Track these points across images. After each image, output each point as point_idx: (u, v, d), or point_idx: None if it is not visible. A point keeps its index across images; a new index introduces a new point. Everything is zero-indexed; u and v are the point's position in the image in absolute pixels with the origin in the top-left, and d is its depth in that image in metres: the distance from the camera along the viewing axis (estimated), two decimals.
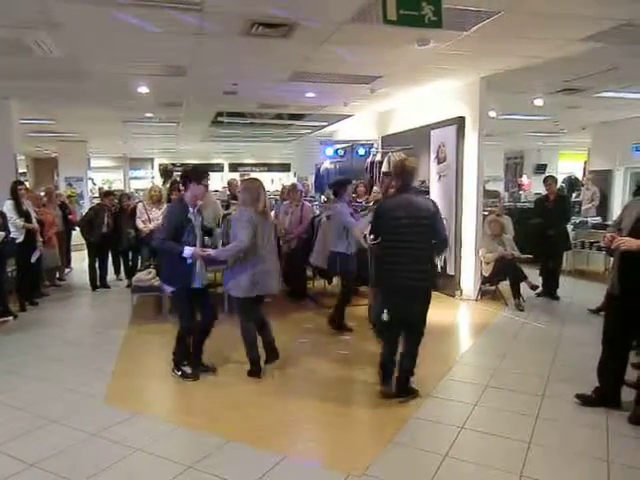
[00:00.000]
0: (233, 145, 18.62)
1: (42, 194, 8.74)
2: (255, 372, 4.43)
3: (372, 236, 4.11)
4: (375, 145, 9.82)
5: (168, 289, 4.55)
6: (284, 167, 23.20)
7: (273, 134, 14.89)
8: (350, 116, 11.20)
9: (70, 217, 9.13)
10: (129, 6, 4.32)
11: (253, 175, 22.42)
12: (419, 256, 3.85)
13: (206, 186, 4.43)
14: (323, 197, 9.37)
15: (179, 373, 4.41)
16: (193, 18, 4.64)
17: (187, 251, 4.12)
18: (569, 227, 8.31)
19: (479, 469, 3.05)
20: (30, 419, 3.69)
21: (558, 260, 7.48)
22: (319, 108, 10.02)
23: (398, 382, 3.99)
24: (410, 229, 3.82)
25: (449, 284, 7.46)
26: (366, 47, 5.67)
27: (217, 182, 19.49)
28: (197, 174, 4.32)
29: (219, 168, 23.82)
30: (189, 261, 4.17)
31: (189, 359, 4.46)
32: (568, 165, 18.52)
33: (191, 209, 4.28)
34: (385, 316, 3.95)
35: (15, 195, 6.68)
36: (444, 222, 4.34)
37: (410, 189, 4.03)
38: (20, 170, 9.05)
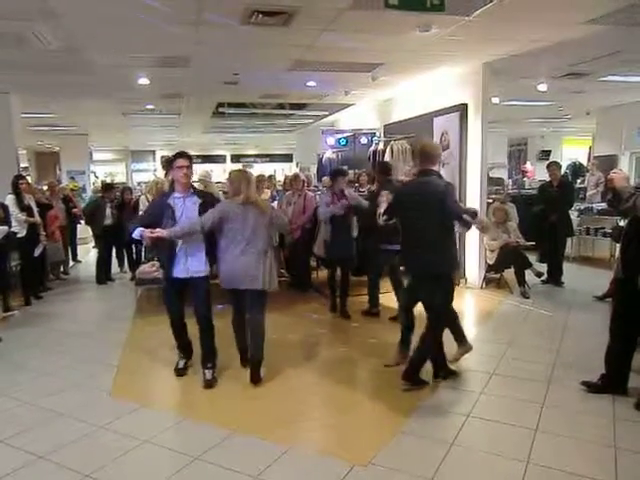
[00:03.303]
0: (235, 136, 18.57)
1: (45, 188, 8.74)
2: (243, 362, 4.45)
3: (385, 217, 4.27)
4: (377, 134, 9.76)
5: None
6: (286, 157, 23.12)
7: (275, 124, 14.82)
8: (352, 105, 11.12)
9: (75, 210, 9.14)
10: None
11: (256, 166, 22.46)
12: (430, 241, 3.82)
13: (184, 167, 4.09)
14: (321, 185, 9.36)
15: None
16: (192, 6, 4.59)
17: (136, 232, 3.99)
18: (574, 213, 8.25)
19: (486, 457, 3.05)
20: (37, 412, 3.71)
21: (561, 247, 7.43)
22: (320, 97, 9.95)
23: (407, 368, 3.94)
24: (421, 213, 3.81)
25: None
26: (367, 34, 5.59)
27: (219, 173, 19.46)
28: (168, 159, 4.28)
29: (221, 159, 23.80)
30: (144, 243, 4.19)
31: (182, 351, 4.45)
32: (572, 151, 18.39)
33: (177, 194, 4.13)
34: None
35: (16, 189, 6.68)
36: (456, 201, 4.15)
37: (429, 172, 3.94)
38: (22, 164, 9.03)
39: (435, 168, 4.02)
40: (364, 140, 9.86)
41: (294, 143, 18.74)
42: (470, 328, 5.94)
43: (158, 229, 3.96)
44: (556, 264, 7.31)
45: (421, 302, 4.07)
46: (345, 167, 9.06)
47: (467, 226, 4.02)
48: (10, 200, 6.56)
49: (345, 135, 10.62)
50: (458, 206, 4.02)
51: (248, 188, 4.11)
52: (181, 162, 4.12)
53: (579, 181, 13.05)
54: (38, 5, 4.49)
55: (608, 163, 11.38)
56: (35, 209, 6.99)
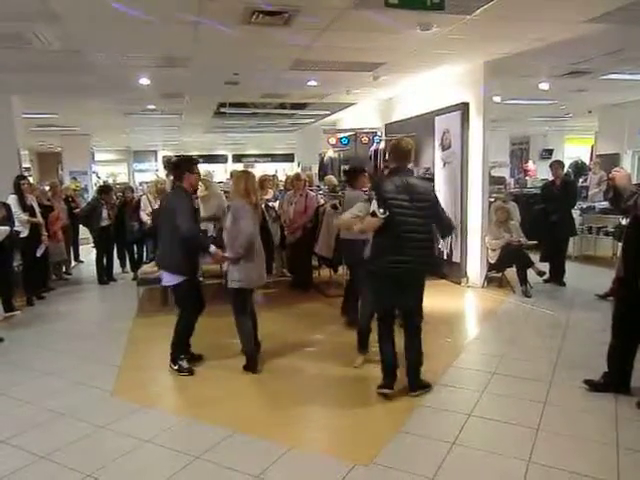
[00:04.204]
0: (236, 136, 18.58)
1: (47, 188, 8.76)
2: (251, 367, 4.35)
3: (381, 210, 3.62)
4: (379, 133, 9.76)
5: (172, 280, 4.35)
6: (288, 157, 23.13)
7: (276, 124, 14.82)
8: (353, 104, 11.12)
9: (77, 211, 9.16)
10: None
11: (258, 166, 22.48)
12: (420, 240, 3.71)
13: (197, 174, 4.47)
14: (322, 185, 9.33)
15: (176, 367, 4.38)
16: (192, 6, 4.59)
17: (213, 248, 4.27)
18: (576, 212, 8.23)
19: (487, 456, 3.04)
20: (39, 412, 3.72)
21: (563, 246, 7.41)
22: (322, 97, 9.95)
23: (409, 377, 3.87)
24: (412, 212, 3.66)
25: (455, 271, 7.42)
26: (368, 33, 5.59)
27: (221, 173, 19.46)
28: (188, 164, 4.42)
29: (223, 159, 23.84)
30: (207, 259, 4.37)
31: (184, 352, 4.45)
32: (575, 150, 18.36)
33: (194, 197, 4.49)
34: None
35: (18, 190, 6.69)
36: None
37: (406, 171, 3.85)
38: (25, 165, 9.05)
39: (410, 166, 3.98)
40: (365, 139, 9.85)
41: (295, 143, 18.75)
42: (472, 327, 5.95)
43: (227, 253, 4.28)
44: (558, 263, 7.29)
45: (401, 306, 3.92)
46: (346, 167, 9.06)
47: (447, 234, 4.06)
48: (12, 200, 6.58)
49: (346, 134, 10.62)
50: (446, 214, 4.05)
51: (255, 190, 4.34)
52: (197, 169, 4.45)
53: (581, 180, 13.02)
54: (38, 6, 4.49)
55: (610, 162, 11.36)
56: (37, 209, 7.01)
